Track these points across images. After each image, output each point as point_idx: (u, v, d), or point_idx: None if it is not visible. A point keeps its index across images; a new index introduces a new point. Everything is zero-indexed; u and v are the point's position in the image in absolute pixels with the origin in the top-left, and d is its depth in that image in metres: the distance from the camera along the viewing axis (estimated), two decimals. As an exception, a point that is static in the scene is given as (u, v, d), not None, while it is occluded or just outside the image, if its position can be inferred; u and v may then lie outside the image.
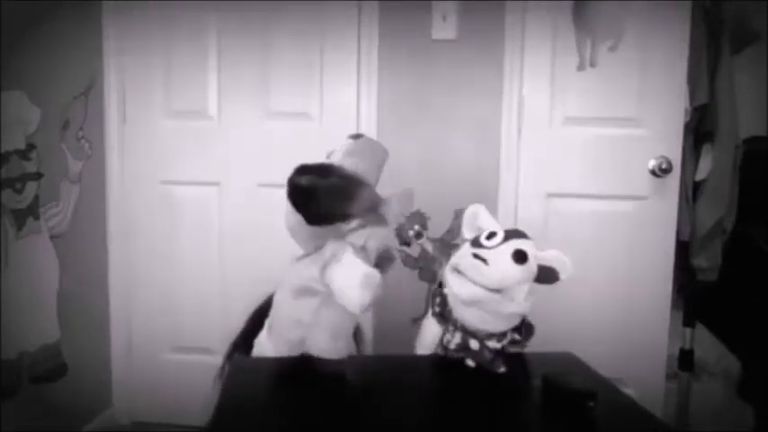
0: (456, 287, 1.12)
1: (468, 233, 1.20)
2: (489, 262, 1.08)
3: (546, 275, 1.11)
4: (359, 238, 1.29)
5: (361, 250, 1.26)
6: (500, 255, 1.09)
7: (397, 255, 1.45)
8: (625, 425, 1.01)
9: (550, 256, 1.12)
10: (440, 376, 1.13)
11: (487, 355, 1.13)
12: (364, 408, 1.06)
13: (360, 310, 1.16)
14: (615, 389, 1.14)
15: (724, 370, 2.19)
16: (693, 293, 2.18)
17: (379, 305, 1.22)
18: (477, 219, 1.21)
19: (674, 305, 2.14)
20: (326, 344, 1.16)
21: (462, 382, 1.12)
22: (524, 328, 1.19)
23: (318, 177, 1.25)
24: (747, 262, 2.14)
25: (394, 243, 1.45)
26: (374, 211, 1.30)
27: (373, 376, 1.22)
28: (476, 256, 1.10)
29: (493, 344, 1.13)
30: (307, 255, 1.31)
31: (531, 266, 1.09)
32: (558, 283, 1.12)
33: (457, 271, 1.12)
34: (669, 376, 2.14)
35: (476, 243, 1.13)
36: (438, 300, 1.24)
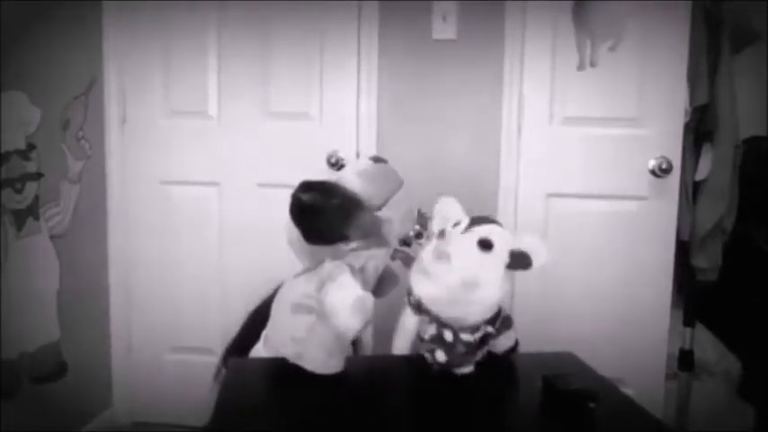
0: (418, 288, 1.12)
1: (437, 226, 1.18)
2: (452, 256, 1.07)
3: (518, 261, 1.09)
4: (358, 259, 1.29)
5: (360, 272, 1.26)
6: (464, 244, 1.08)
7: (399, 275, 1.44)
8: (625, 425, 1.01)
9: (525, 242, 1.10)
10: (439, 376, 1.13)
11: (460, 348, 1.11)
12: (363, 407, 1.06)
13: (349, 334, 1.15)
14: (615, 389, 1.14)
15: (724, 370, 2.19)
16: (693, 293, 2.18)
17: (379, 306, 1.21)
18: (444, 210, 1.19)
19: (674, 305, 2.14)
20: (321, 360, 1.15)
21: (463, 383, 1.12)
22: (500, 320, 1.17)
23: (321, 196, 1.26)
24: (747, 262, 2.14)
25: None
26: (374, 235, 1.30)
27: (372, 376, 1.22)
28: (439, 254, 1.08)
29: (467, 336, 1.11)
30: (305, 271, 1.31)
31: (500, 253, 1.08)
32: (533, 269, 1.09)
33: (422, 270, 1.11)
34: (669, 376, 2.14)
35: (441, 234, 1.12)
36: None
